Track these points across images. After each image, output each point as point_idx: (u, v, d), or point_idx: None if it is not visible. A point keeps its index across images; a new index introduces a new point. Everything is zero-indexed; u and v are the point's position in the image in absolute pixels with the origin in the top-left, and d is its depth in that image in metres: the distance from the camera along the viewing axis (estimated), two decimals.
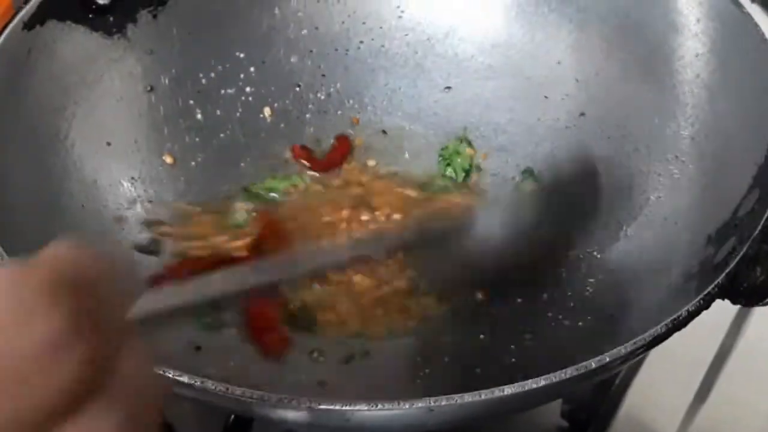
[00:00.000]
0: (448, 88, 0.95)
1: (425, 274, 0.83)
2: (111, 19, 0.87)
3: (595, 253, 0.84)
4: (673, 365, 0.87)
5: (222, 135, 0.92)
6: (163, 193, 0.88)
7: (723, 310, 0.72)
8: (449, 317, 0.82)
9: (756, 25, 0.80)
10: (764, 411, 0.86)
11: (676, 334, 0.66)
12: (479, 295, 0.83)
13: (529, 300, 0.83)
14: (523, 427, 0.84)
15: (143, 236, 0.85)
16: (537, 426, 0.84)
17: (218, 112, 0.92)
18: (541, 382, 0.62)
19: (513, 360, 0.78)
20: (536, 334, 0.80)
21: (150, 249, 0.84)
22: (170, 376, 0.62)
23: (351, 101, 0.95)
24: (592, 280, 0.83)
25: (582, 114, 0.90)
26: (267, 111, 0.93)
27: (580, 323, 0.80)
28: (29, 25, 0.82)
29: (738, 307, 0.87)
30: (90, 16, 0.86)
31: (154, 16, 0.90)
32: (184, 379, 0.62)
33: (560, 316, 0.81)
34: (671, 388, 0.87)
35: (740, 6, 0.81)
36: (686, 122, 0.84)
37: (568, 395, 0.83)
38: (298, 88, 0.94)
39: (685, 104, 0.84)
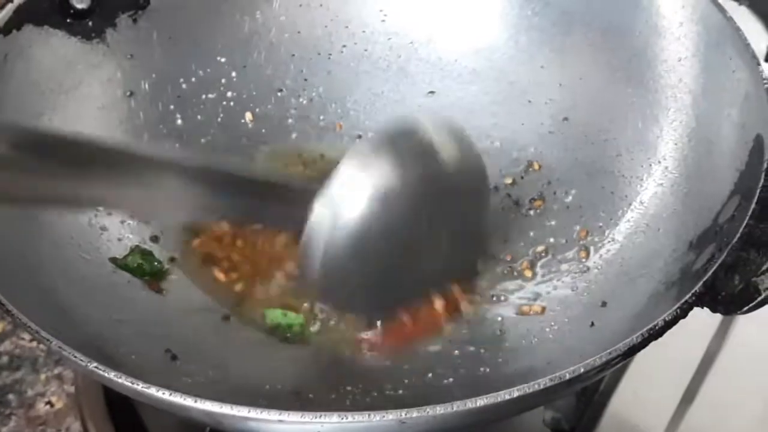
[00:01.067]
0: (432, 92, 0.94)
1: None
2: (90, 23, 0.86)
3: (579, 259, 0.83)
4: (660, 368, 0.86)
5: (203, 140, 0.91)
6: None
7: (708, 315, 0.71)
8: None
9: (738, 30, 0.79)
10: (751, 413, 0.86)
11: (661, 340, 0.65)
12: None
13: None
14: None
15: (122, 244, 0.84)
16: None
17: (199, 117, 0.91)
18: (515, 393, 0.61)
19: (487, 370, 0.77)
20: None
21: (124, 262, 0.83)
22: (138, 388, 0.61)
23: (334, 106, 0.94)
24: (575, 285, 0.82)
25: (565, 119, 0.89)
26: (248, 116, 0.93)
27: (561, 326, 0.79)
28: (5, 30, 0.81)
29: None
30: (68, 20, 0.85)
31: (134, 21, 0.89)
32: (152, 391, 0.61)
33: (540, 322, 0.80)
34: (658, 391, 0.86)
35: (723, 11, 0.81)
36: (669, 127, 0.83)
37: (546, 404, 0.82)
38: (280, 93, 0.93)
39: (667, 109, 0.84)
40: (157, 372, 0.65)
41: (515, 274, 0.84)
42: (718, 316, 0.89)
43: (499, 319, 0.81)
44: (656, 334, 0.65)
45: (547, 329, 0.79)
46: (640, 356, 0.67)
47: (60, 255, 0.79)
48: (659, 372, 0.86)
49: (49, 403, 0.89)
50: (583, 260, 0.83)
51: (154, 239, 0.85)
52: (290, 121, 0.93)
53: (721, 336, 0.90)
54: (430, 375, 0.77)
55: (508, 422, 0.81)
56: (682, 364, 0.88)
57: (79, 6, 0.86)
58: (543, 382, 0.61)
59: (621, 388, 0.86)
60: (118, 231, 0.84)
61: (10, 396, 0.89)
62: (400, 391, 0.74)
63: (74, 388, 0.89)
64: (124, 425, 0.84)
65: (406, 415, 0.59)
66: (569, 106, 0.89)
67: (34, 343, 0.92)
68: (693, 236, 0.75)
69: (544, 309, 0.81)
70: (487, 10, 0.93)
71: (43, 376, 0.90)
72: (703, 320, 0.74)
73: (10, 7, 0.81)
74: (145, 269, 0.82)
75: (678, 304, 0.66)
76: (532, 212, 0.87)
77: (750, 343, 0.89)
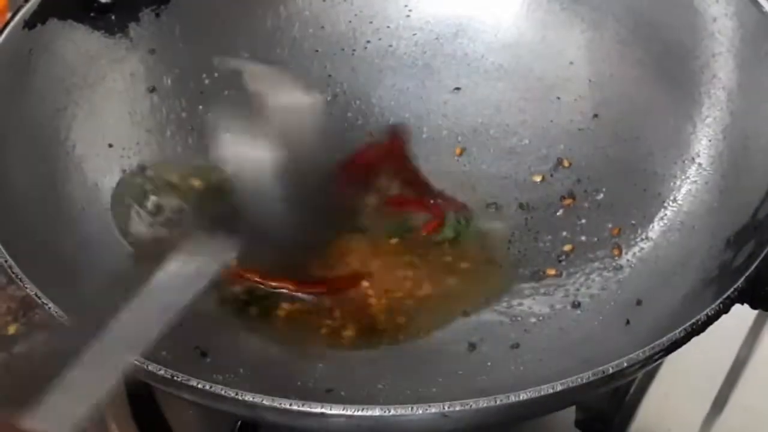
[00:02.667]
0: (458, 88, 0.93)
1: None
2: (113, 18, 0.86)
3: (612, 257, 0.82)
4: (689, 374, 0.85)
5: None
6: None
7: (739, 317, 0.71)
8: None
9: None
10: None
11: (693, 342, 0.65)
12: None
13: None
14: None
15: (143, 237, 0.83)
16: None
17: (221, 113, 0.90)
18: (558, 386, 0.61)
19: (521, 368, 0.76)
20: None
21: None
22: (179, 380, 0.61)
23: (358, 102, 0.93)
24: (607, 284, 0.80)
25: (595, 115, 0.88)
26: None
27: (594, 325, 0.78)
28: (30, 23, 0.81)
29: (755, 314, 0.86)
30: (92, 15, 0.85)
31: (157, 15, 0.88)
32: (193, 383, 0.61)
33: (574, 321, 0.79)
34: (687, 398, 0.85)
35: (759, 5, 0.80)
36: (702, 124, 0.82)
37: (583, 401, 0.81)
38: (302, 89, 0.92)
39: (701, 105, 0.83)
40: (188, 368, 0.63)
41: (547, 273, 0.82)
42: (749, 318, 0.88)
43: (532, 318, 0.79)
44: (698, 329, 0.65)
45: (582, 328, 0.78)
46: (672, 358, 0.67)
47: (86, 252, 0.78)
48: (690, 376, 0.86)
49: None
50: (617, 258, 0.82)
51: None
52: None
53: (750, 342, 0.89)
54: (460, 372, 0.76)
55: (539, 422, 0.80)
56: (713, 369, 0.87)
57: (103, 0, 0.85)
58: (586, 376, 0.61)
59: (652, 391, 0.85)
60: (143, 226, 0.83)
61: None
62: (434, 390, 0.73)
63: None
64: (148, 424, 0.83)
65: (449, 408, 0.59)
66: (599, 103, 0.88)
67: None
68: (730, 233, 0.75)
69: (577, 307, 0.79)
70: (514, 4, 0.92)
71: None
72: (733, 324, 0.73)
73: (34, 1, 0.81)
74: None
75: (720, 299, 0.66)
76: (562, 210, 0.86)
77: None
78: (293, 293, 0.80)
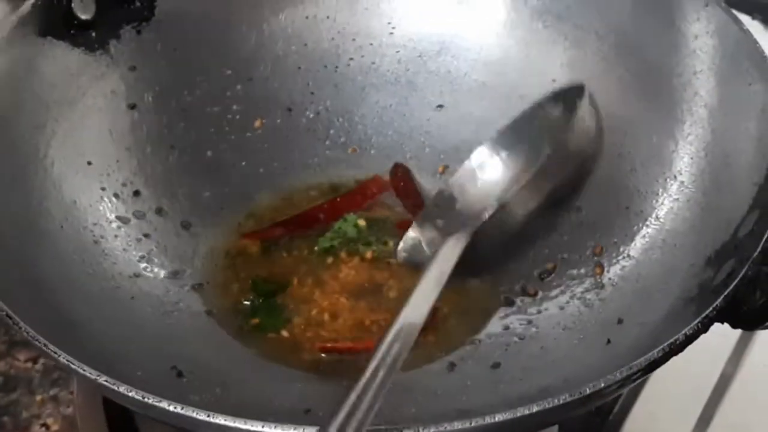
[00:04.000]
0: (441, 106, 0.93)
1: None
2: (93, 35, 0.86)
3: (594, 275, 0.82)
4: (674, 392, 0.85)
5: (209, 153, 0.90)
6: (146, 214, 0.86)
7: (724, 335, 0.70)
8: None
9: (755, 42, 0.78)
10: None
11: (677, 360, 0.65)
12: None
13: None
14: None
15: (124, 257, 0.82)
16: None
17: (203, 131, 0.90)
18: (534, 408, 0.60)
19: (502, 387, 0.76)
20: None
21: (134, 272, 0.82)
22: (149, 401, 0.60)
23: (341, 119, 0.93)
24: (589, 302, 0.80)
25: None
26: (254, 129, 0.91)
27: (575, 344, 0.77)
28: (9, 40, 0.80)
29: (739, 332, 0.86)
30: (72, 31, 0.84)
31: (138, 32, 0.88)
32: (164, 405, 0.60)
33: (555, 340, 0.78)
34: (672, 416, 0.85)
35: (739, 23, 0.80)
36: (684, 141, 0.82)
37: (564, 421, 0.80)
38: (286, 106, 0.92)
39: (683, 122, 0.82)
40: (163, 389, 0.63)
41: (527, 290, 0.82)
42: (734, 336, 0.88)
43: (514, 338, 0.79)
44: (677, 349, 0.64)
45: (562, 347, 0.77)
46: (656, 376, 0.67)
47: (63, 270, 0.77)
48: (675, 393, 0.85)
49: (44, 425, 0.87)
50: (598, 277, 0.81)
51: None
52: (297, 135, 0.92)
53: (737, 356, 0.89)
54: (439, 392, 0.75)
55: None
56: (697, 386, 0.87)
57: (83, 17, 0.85)
58: (563, 397, 0.61)
59: (636, 410, 0.85)
60: (122, 244, 0.83)
61: (5, 418, 0.87)
62: (413, 410, 0.72)
63: (71, 410, 0.87)
64: None
65: (423, 430, 0.58)
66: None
67: (29, 364, 0.90)
68: (711, 252, 0.74)
69: (558, 325, 0.79)
70: (497, 22, 0.92)
71: (38, 398, 0.88)
72: (718, 340, 0.73)
73: (14, 18, 0.81)
74: None
75: (699, 319, 0.65)
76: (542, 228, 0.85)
77: (766, 366, 0.88)
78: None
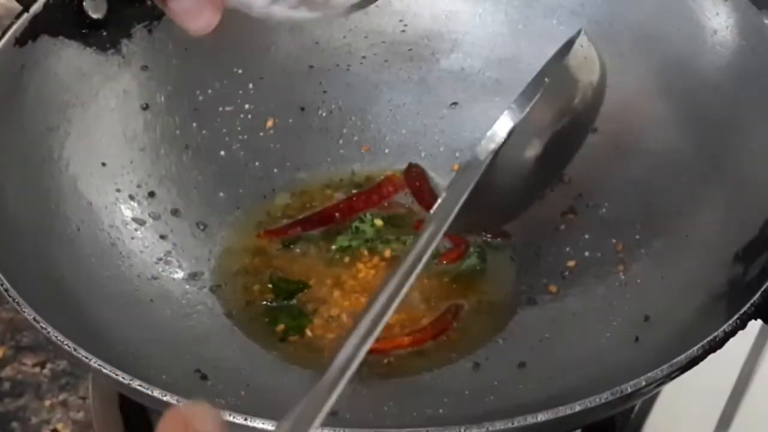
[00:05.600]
0: (455, 104, 0.92)
1: None
2: (105, 34, 0.85)
3: (617, 273, 0.81)
4: (694, 391, 0.84)
5: (222, 153, 0.89)
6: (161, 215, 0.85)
7: (742, 332, 0.69)
8: None
9: None
10: None
11: None
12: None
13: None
14: None
15: (142, 259, 0.82)
16: None
17: (216, 130, 0.89)
18: (576, 407, 0.60)
19: (530, 387, 0.75)
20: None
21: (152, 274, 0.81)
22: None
23: (353, 118, 0.92)
24: (613, 300, 0.79)
25: (595, 130, 0.87)
26: (266, 128, 0.91)
27: (602, 342, 0.77)
28: (21, 40, 0.80)
29: (758, 330, 0.86)
30: (83, 31, 0.84)
31: (150, 31, 0.87)
32: None
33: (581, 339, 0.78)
34: (692, 416, 0.85)
35: (759, 15, 0.80)
36: (706, 138, 0.82)
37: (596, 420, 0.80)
38: (298, 105, 0.91)
39: (704, 119, 0.82)
40: (189, 392, 0.62)
41: (550, 289, 0.82)
42: (752, 336, 0.88)
43: (538, 337, 0.78)
44: (716, 345, 0.64)
45: (589, 346, 0.77)
46: (672, 382, 0.65)
47: (82, 273, 0.77)
48: (695, 393, 0.84)
49: (54, 430, 0.86)
50: (621, 274, 0.81)
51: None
52: (309, 134, 0.91)
53: (755, 356, 0.88)
54: (467, 392, 0.75)
55: None
56: (717, 385, 0.87)
57: (95, 16, 0.84)
58: (604, 396, 0.60)
59: (656, 410, 0.85)
60: (139, 246, 0.83)
61: (14, 424, 0.87)
62: (441, 411, 0.72)
63: (81, 415, 0.87)
64: None
65: (465, 429, 0.58)
66: (599, 118, 0.86)
67: (37, 369, 0.90)
68: (739, 248, 0.73)
69: (582, 324, 0.78)
70: (510, 19, 0.91)
71: (47, 403, 0.88)
72: (736, 340, 0.73)
73: (25, 18, 0.80)
74: None
75: (737, 315, 0.65)
76: (564, 226, 0.85)
77: None
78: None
